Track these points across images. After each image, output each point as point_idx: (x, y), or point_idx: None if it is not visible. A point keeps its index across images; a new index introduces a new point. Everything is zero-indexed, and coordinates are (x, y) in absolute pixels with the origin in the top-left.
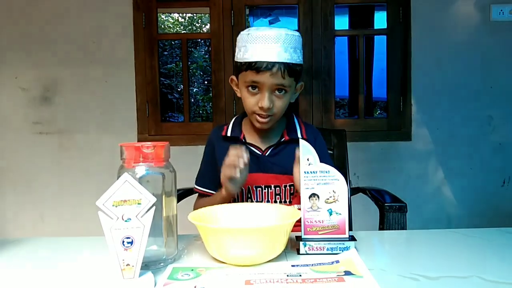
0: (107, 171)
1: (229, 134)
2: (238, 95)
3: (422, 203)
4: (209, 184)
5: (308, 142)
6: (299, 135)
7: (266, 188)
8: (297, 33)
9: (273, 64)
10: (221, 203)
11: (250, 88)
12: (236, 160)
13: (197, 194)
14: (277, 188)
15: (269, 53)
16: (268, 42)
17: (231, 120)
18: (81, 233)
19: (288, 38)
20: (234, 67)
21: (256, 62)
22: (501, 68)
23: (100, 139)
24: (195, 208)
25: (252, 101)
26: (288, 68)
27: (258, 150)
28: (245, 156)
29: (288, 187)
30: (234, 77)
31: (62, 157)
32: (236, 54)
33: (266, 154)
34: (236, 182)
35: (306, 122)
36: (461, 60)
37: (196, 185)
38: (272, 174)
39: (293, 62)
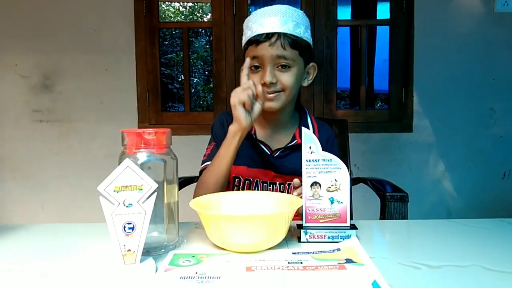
0: (107, 159)
1: None
2: None
3: (423, 194)
4: None
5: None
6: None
7: (271, 185)
8: (300, 11)
9: (272, 34)
10: (232, 145)
11: (253, 67)
12: (250, 86)
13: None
14: (281, 185)
15: (267, 25)
16: (267, 16)
17: None
18: (81, 221)
19: (288, 12)
20: (243, 53)
21: (255, 35)
22: (504, 61)
23: (100, 127)
24: (202, 179)
25: (256, 80)
26: (289, 40)
27: (268, 149)
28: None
29: (292, 185)
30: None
31: (62, 145)
32: (242, 39)
33: (275, 155)
34: (249, 112)
35: (321, 121)
36: (464, 52)
37: (203, 164)
38: (278, 174)
39: (295, 34)
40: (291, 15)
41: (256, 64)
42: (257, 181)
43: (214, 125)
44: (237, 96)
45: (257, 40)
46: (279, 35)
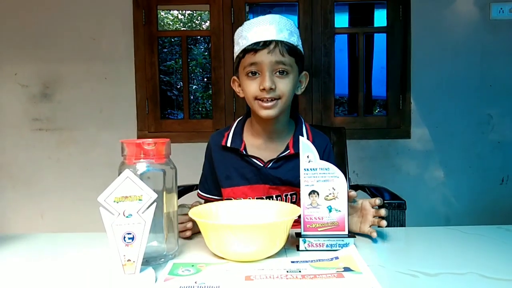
0: (106, 168)
1: (229, 144)
2: (241, 95)
3: (421, 201)
4: (211, 190)
5: None
6: None
7: (268, 199)
8: (291, 20)
9: (270, 41)
10: None
11: (250, 74)
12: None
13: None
14: (278, 198)
15: (265, 33)
16: (263, 25)
17: (233, 125)
18: (80, 230)
19: (282, 21)
20: (234, 65)
21: (253, 44)
22: (500, 67)
23: (99, 136)
24: None
25: (253, 86)
26: (286, 47)
27: (260, 162)
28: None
29: (289, 196)
30: (235, 77)
31: (62, 154)
32: (234, 50)
33: (268, 167)
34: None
35: (316, 130)
36: (460, 59)
37: (199, 191)
38: (273, 186)
39: (291, 42)
40: (285, 24)
41: (254, 70)
42: (249, 199)
43: (206, 151)
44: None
45: (254, 49)
46: (277, 42)
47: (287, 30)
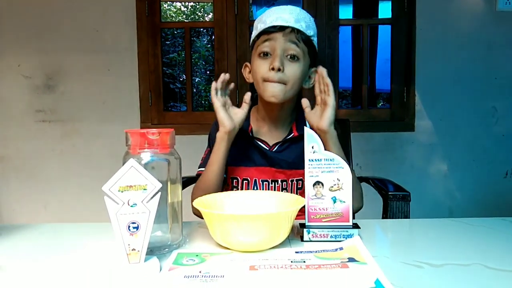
0: (109, 159)
1: None
2: (250, 81)
3: (425, 194)
4: None
5: None
6: None
7: (273, 183)
8: (312, 17)
9: (286, 26)
10: (220, 150)
11: (262, 55)
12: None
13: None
14: (284, 183)
15: (282, 20)
16: (282, 13)
17: None
18: (83, 220)
19: (302, 14)
20: (250, 51)
21: (270, 26)
22: (506, 59)
23: (102, 127)
24: (197, 184)
25: (263, 67)
26: (303, 36)
27: (266, 145)
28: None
29: (295, 182)
30: (247, 63)
31: (65, 145)
32: (252, 36)
33: (274, 150)
34: (230, 116)
35: None
36: (465, 51)
37: (199, 168)
38: (279, 169)
39: (307, 34)
40: (304, 17)
41: (266, 50)
42: (255, 180)
43: (211, 130)
44: (217, 100)
45: (270, 30)
46: (293, 29)
47: (304, 22)
